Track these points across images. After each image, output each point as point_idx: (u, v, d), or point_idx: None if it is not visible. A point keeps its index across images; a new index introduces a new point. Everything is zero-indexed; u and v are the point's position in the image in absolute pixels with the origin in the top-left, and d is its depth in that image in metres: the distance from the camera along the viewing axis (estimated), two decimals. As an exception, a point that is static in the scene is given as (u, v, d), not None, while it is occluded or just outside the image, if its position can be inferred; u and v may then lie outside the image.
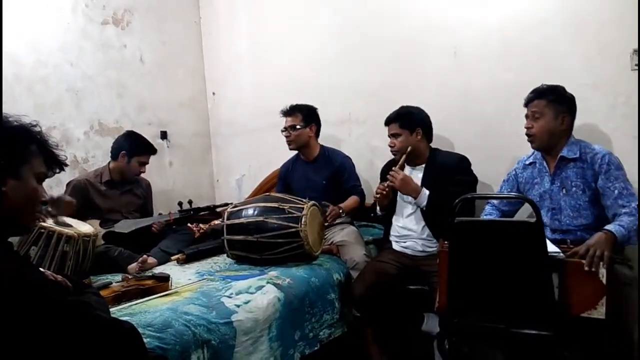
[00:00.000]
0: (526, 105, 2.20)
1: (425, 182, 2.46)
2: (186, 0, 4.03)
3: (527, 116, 2.19)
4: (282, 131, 2.97)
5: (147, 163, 3.05)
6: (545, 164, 2.22)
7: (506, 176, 2.41)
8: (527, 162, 2.32)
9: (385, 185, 2.47)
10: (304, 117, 2.96)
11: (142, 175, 3.18)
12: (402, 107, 2.56)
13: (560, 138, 2.13)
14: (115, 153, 2.97)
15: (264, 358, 1.99)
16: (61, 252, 2.24)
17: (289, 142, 2.98)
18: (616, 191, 2.00)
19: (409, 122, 2.50)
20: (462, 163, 2.50)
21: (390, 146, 2.53)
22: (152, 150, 3.06)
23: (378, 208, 2.65)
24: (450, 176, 2.41)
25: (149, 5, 3.71)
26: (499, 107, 2.75)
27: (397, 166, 2.46)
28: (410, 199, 2.48)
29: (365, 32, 3.23)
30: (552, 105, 2.11)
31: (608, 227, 1.89)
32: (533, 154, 2.29)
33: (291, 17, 3.59)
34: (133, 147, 2.96)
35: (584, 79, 2.40)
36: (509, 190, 2.37)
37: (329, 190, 2.89)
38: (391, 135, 2.52)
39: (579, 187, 2.09)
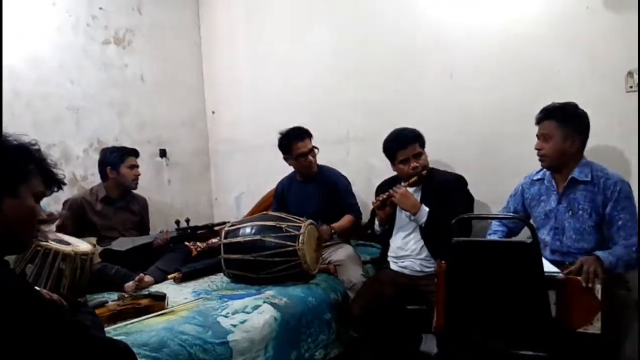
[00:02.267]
0: (537, 124, 2.15)
1: (423, 202, 2.46)
2: (187, 21, 4.09)
3: (537, 136, 2.15)
4: (302, 155, 2.93)
5: (137, 165, 3.02)
6: (553, 182, 2.18)
7: (513, 191, 2.39)
8: (535, 178, 2.28)
9: (385, 196, 2.47)
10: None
11: (140, 193, 3.20)
12: (407, 129, 2.54)
13: (570, 159, 2.09)
14: (103, 174, 2.97)
15: (260, 379, 1.97)
16: (57, 270, 2.22)
17: (312, 165, 2.97)
18: (620, 222, 1.98)
19: (423, 140, 2.52)
20: (458, 182, 2.51)
21: (414, 167, 2.46)
22: (132, 152, 3.03)
23: (377, 223, 2.63)
24: (447, 195, 2.41)
25: (150, 26, 3.75)
26: (496, 126, 2.77)
27: (407, 183, 2.45)
28: (408, 216, 2.48)
29: (363, 52, 3.27)
30: (562, 127, 2.05)
31: (598, 253, 1.89)
32: (542, 170, 2.25)
33: (290, 37, 3.63)
34: (114, 158, 2.95)
35: (580, 98, 2.41)
36: (515, 205, 2.35)
37: (325, 209, 2.89)
38: (414, 156, 2.47)
39: (586, 210, 2.05)
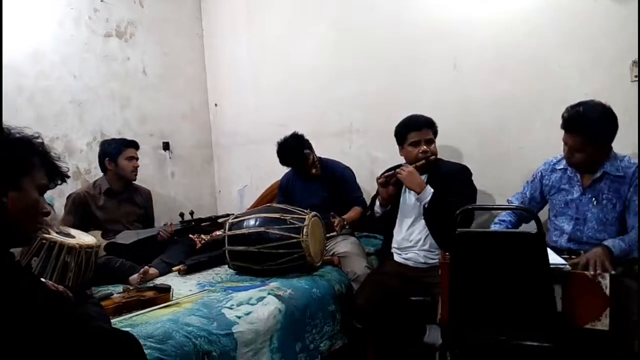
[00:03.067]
0: (564, 129, 2.04)
1: None
2: (189, 14, 4.07)
3: (565, 142, 2.05)
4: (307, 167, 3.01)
5: (135, 157, 3.02)
6: (578, 175, 2.14)
7: (531, 177, 2.34)
8: (558, 167, 2.22)
9: (391, 173, 2.46)
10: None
11: (144, 186, 3.20)
12: (423, 115, 2.53)
13: (602, 160, 2.04)
14: (102, 166, 2.98)
15: (265, 370, 1.98)
16: (63, 263, 2.24)
17: (314, 170, 3.03)
18: (636, 207, 1.96)
19: (436, 129, 2.53)
20: (463, 172, 2.51)
21: (424, 151, 2.46)
22: (130, 143, 3.03)
23: (377, 204, 2.60)
24: (451, 185, 2.41)
25: (152, 18, 3.74)
26: (498, 117, 2.77)
27: (414, 165, 2.44)
28: (412, 203, 2.49)
29: (365, 43, 3.26)
30: (593, 141, 1.97)
31: (606, 242, 1.87)
32: (564, 158, 2.17)
33: (292, 29, 3.62)
34: (112, 150, 2.95)
35: (581, 89, 2.41)
36: (532, 192, 2.31)
37: (331, 202, 2.90)
38: (427, 141, 2.47)
39: (611, 200, 2.03)
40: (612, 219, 2.03)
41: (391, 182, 2.49)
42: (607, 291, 1.71)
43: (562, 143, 2.08)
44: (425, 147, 2.47)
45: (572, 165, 2.11)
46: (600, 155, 2.03)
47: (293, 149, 2.96)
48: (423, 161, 2.45)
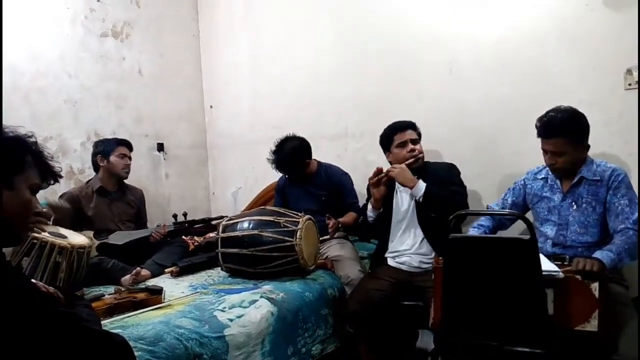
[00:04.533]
0: (542, 137, 2.11)
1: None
2: (185, 14, 4.07)
3: (545, 150, 2.13)
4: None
5: (128, 156, 3.03)
6: (557, 181, 2.20)
7: (512, 184, 2.39)
8: (539, 177, 2.29)
9: (382, 174, 2.47)
10: None
11: (138, 187, 3.20)
12: (403, 120, 2.59)
13: (581, 162, 2.11)
14: (95, 165, 2.99)
15: (257, 373, 1.97)
16: (54, 263, 2.22)
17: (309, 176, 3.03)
18: (619, 207, 2.01)
19: (419, 131, 2.59)
20: (452, 169, 2.55)
21: (412, 150, 2.51)
22: (123, 142, 3.04)
23: (370, 208, 2.60)
24: (442, 182, 2.43)
25: (148, 19, 3.74)
26: (494, 122, 2.79)
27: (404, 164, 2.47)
28: (406, 207, 2.52)
29: (362, 47, 3.26)
30: (572, 141, 2.05)
31: (596, 254, 1.89)
32: (545, 168, 2.25)
33: (289, 31, 3.62)
34: (104, 148, 2.96)
35: (579, 95, 2.43)
36: (513, 199, 2.36)
37: (327, 206, 2.89)
38: (412, 141, 2.53)
39: (590, 203, 2.08)
40: (593, 221, 2.08)
41: (383, 182, 2.49)
42: (597, 294, 1.75)
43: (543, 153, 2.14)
44: (412, 146, 2.52)
45: (555, 171, 2.16)
46: (579, 156, 2.09)
47: (288, 162, 2.93)
48: (411, 160, 2.48)
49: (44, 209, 1.34)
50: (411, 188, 2.40)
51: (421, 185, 2.37)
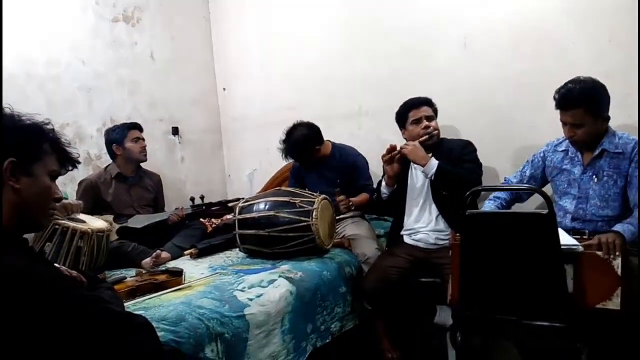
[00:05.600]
0: (560, 109, 2.07)
1: None
2: (195, -4, 4.05)
3: (564, 122, 2.08)
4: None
5: (141, 138, 3.05)
6: (578, 154, 2.15)
7: (531, 157, 2.35)
8: (559, 149, 2.24)
9: (395, 151, 2.46)
10: None
11: (154, 170, 3.23)
12: (418, 97, 2.58)
13: (602, 135, 2.06)
14: (111, 152, 3.01)
15: (277, 351, 2.00)
16: (75, 247, 2.26)
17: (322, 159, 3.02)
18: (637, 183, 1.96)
19: (436, 108, 2.58)
20: (467, 147, 2.52)
21: (426, 127, 2.49)
22: (133, 125, 3.06)
23: (383, 185, 2.59)
24: (457, 159, 2.43)
25: (159, 2, 3.72)
26: (509, 97, 2.74)
27: (418, 141, 2.45)
28: (420, 184, 2.52)
29: (374, 24, 3.22)
30: (591, 112, 1.99)
31: (616, 227, 1.87)
32: (565, 140, 2.20)
33: (300, 10, 3.58)
34: (117, 134, 2.98)
35: (596, 68, 2.37)
36: (532, 172, 2.32)
37: (341, 188, 2.88)
38: (427, 118, 2.51)
39: (611, 177, 2.04)
40: (614, 194, 2.04)
41: (396, 159, 2.48)
42: (619, 271, 1.71)
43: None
44: (426, 122, 2.50)
45: (575, 143, 2.11)
46: (599, 128, 2.04)
47: (298, 151, 2.93)
48: (425, 137, 2.46)
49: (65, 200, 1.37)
50: (423, 166, 2.38)
51: (433, 163, 2.35)
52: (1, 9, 2.03)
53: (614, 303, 1.70)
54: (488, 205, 2.37)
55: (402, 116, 2.58)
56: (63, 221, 2.28)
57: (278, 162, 3.63)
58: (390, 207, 2.69)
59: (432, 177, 2.37)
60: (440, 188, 2.42)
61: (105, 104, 3.39)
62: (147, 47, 3.66)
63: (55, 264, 1.31)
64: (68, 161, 1.23)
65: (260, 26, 3.84)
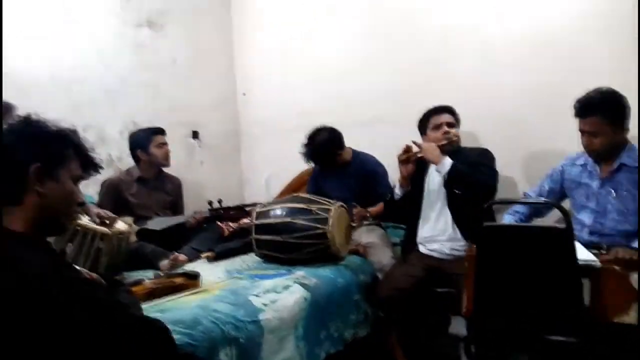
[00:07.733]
0: (579, 117, 2.07)
1: None
2: (218, 3, 4.10)
3: (582, 131, 2.07)
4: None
5: (165, 143, 3.09)
6: (597, 167, 2.14)
7: (550, 171, 2.34)
8: (578, 163, 2.23)
9: (412, 151, 2.46)
10: None
11: (174, 174, 3.27)
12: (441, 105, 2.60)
13: (620, 147, 2.05)
14: (135, 157, 3.06)
15: (290, 357, 2.01)
16: (96, 249, 2.30)
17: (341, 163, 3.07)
18: None
19: (458, 117, 2.60)
20: (484, 154, 2.50)
21: (446, 132, 2.51)
22: (158, 130, 3.10)
23: (397, 186, 2.58)
24: (470, 165, 2.40)
25: (182, 8, 3.78)
26: (529, 108, 2.73)
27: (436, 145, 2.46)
28: (437, 189, 2.51)
29: (394, 33, 3.23)
30: (609, 121, 1.99)
31: (635, 244, 1.85)
32: (584, 155, 2.19)
33: (320, 18, 3.61)
34: (142, 140, 3.03)
35: (617, 78, 2.34)
36: (551, 186, 2.31)
37: (360, 195, 2.89)
38: (448, 124, 2.53)
39: (630, 191, 2.01)
40: (633, 209, 2.01)
41: (412, 160, 2.48)
42: (636, 285, 1.69)
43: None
44: (447, 128, 2.50)
45: (592, 152, 2.10)
46: (617, 139, 2.02)
47: (320, 154, 2.97)
48: (445, 142, 2.46)
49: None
50: (436, 164, 2.38)
51: (447, 162, 2.35)
52: (1, 9, 2.08)
53: (631, 317, 1.68)
54: (507, 219, 2.36)
55: (424, 122, 2.60)
56: (84, 223, 2.32)
57: (295, 168, 3.65)
58: (403, 212, 2.68)
59: (446, 177, 2.36)
60: (454, 188, 2.40)
61: (127, 107, 3.44)
62: (169, 52, 3.72)
63: (76, 266, 1.34)
64: (91, 166, 1.27)
65: (280, 33, 3.87)
